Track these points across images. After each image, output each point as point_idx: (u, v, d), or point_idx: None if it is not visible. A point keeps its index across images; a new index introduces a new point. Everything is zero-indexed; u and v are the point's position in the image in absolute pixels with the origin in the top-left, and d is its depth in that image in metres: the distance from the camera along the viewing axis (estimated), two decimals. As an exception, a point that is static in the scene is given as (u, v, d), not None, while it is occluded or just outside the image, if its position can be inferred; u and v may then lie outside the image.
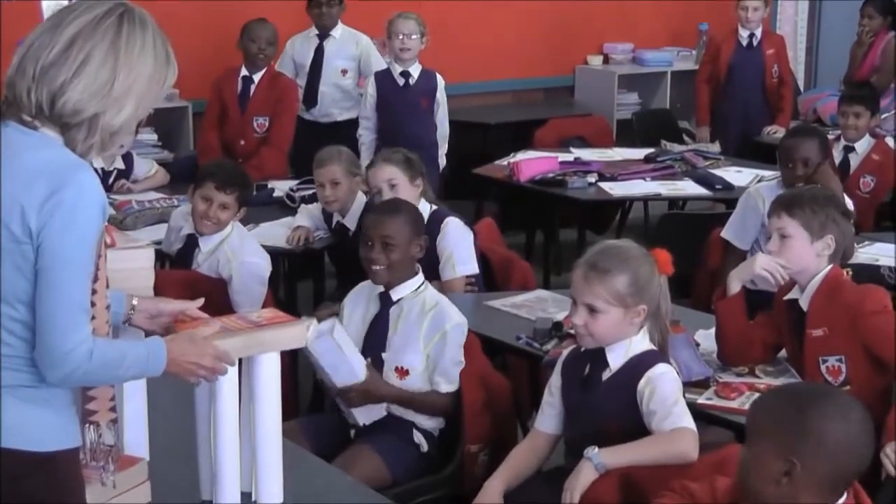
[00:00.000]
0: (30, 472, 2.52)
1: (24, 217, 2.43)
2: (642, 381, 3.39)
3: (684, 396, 3.46)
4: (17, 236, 2.44)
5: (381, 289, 4.11)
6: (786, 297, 4.00)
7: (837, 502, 2.65)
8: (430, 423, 4.07)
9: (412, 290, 4.09)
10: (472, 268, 5.10)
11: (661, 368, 3.42)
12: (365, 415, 4.01)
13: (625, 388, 3.40)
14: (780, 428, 2.62)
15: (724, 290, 4.06)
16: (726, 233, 5.47)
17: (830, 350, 3.86)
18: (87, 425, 2.71)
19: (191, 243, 5.15)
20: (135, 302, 2.92)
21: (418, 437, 4.04)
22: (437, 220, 5.10)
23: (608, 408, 3.42)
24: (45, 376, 2.50)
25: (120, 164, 6.64)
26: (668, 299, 3.57)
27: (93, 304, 2.57)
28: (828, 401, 2.66)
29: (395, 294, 4.09)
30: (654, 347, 3.50)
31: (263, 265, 5.07)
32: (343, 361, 3.88)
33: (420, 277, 4.13)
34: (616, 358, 3.46)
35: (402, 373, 4.02)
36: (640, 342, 3.48)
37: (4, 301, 2.48)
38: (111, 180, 6.59)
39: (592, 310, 3.42)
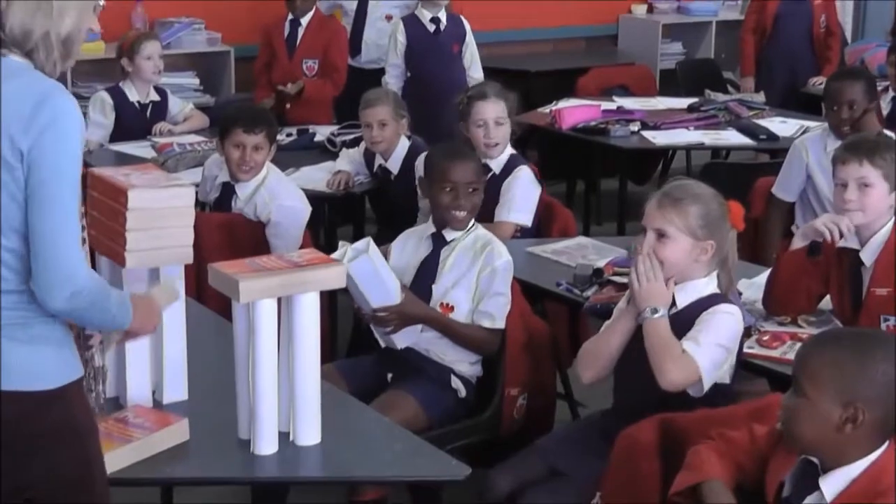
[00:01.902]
0: (43, 409, 2.55)
1: (13, 142, 2.46)
2: (706, 312, 3.37)
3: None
4: (10, 164, 2.47)
5: (432, 230, 4.12)
6: (840, 245, 3.91)
7: (880, 449, 2.63)
8: (469, 369, 4.06)
9: (464, 229, 4.09)
10: (527, 220, 5.08)
11: (728, 308, 3.39)
12: (402, 338, 4.00)
13: (687, 327, 3.36)
14: (841, 373, 2.58)
15: (787, 246, 4.00)
16: (776, 188, 5.40)
17: (894, 310, 3.79)
18: (87, 350, 2.70)
19: (227, 191, 5.12)
20: None
21: (456, 383, 4.03)
22: (513, 164, 5.11)
23: None
24: (47, 303, 2.51)
25: (155, 97, 6.67)
26: (736, 254, 3.56)
27: (84, 240, 2.61)
28: (884, 344, 2.63)
29: (448, 235, 4.09)
30: (721, 293, 3.47)
31: (301, 207, 5.06)
32: (379, 281, 3.86)
33: (472, 218, 4.14)
34: (683, 298, 3.43)
35: (447, 308, 4.01)
36: (709, 285, 3.45)
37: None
38: (148, 113, 6.63)
39: (661, 235, 3.40)
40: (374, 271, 3.83)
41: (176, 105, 6.79)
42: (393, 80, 7.18)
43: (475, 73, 7.23)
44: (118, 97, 6.56)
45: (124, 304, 2.69)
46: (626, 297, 3.53)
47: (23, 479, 2.57)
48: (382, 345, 4.07)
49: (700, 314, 3.37)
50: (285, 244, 4.80)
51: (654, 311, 3.34)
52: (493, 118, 5.14)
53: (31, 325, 2.55)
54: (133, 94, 6.58)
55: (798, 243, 3.97)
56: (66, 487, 2.61)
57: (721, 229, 3.44)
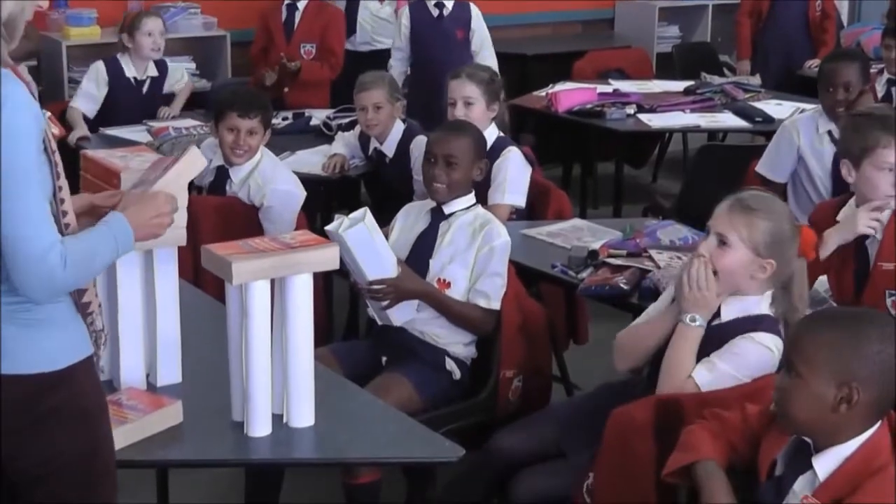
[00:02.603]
0: (49, 390, 2.54)
1: None
2: (741, 336, 3.27)
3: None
4: None
5: (433, 205, 4.13)
6: None
7: (873, 428, 2.64)
8: (464, 350, 4.07)
9: (464, 206, 4.10)
10: (520, 201, 5.07)
11: (766, 339, 3.26)
12: (399, 314, 4.00)
13: (725, 342, 3.28)
14: (836, 353, 2.58)
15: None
16: (761, 167, 5.36)
17: None
18: (86, 317, 2.69)
19: (221, 175, 5.11)
20: None
21: (450, 365, 4.03)
22: (500, 146, 5.10)
23: (703, 355, 3.31)
24: (30, 298, 2.48)
25: (153, 72, 6.70)
26: (805, 286, 3.42)
27: (64, 213, 2.56)
28: (879, 324, 2.64)
29: (448, 209, 4.10)
30: (774, 316, 3.33)
31: (295, 192, 5.06)
32: (374, 252, 3.87)
33: (472, 196, 4.14)
34: (729, 312, 3.33)
35: (444, 284, 4.01)
36: (759, 304, 3.33)
37: None
38: (143, 90, 6.64)
39: (723, 241, 3.29)
40: (370, 240, 3.84)
41: (174, 76, 6.80)
42: (397, 64, 7.18)
43: (483, 60, 7.01)
44: (114, 70, 6.55)
45: (120, 237, 2.61)
46: (671, 293, 3.47)
47: (29, 459, 2.56)
48: (379, 322, 4.07)
49: (740, 332, 3.29)
50: (278, 228, 4.79)
51: (693, 318, 3.30)
52: (462, 97, 5.18)
53: (34, 308, 2.52)
54: (130, 70, 6.58)
55: (833, 246, 3.91)
56: (71, 467, 2.60)
57: (786, 252, 3.30)
